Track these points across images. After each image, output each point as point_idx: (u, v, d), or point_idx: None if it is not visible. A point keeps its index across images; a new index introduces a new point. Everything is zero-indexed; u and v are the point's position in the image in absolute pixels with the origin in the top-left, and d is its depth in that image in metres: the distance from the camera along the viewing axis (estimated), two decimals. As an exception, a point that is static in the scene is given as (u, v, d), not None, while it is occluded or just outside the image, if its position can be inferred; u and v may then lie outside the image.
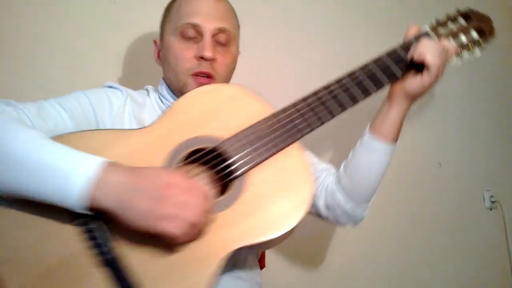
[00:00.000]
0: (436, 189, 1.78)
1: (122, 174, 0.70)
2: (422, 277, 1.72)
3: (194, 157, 0.84)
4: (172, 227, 0.69)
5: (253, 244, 0.79)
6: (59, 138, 0.77)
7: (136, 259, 0.73)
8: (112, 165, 0.71)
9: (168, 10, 1.04)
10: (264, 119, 0.87)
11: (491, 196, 1.89)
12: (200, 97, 0.89)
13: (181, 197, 0.70)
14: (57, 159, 0.69)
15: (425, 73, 0.93)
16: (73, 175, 0.68)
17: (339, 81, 0.92)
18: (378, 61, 0.95)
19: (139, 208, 0.69)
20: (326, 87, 0.92)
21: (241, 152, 0.84)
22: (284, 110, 0.89)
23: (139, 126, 0.93)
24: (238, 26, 1.06)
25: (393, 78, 0.95)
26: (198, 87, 0.92)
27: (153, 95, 1.04)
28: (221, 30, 0.98)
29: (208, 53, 0.95)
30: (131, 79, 1.26)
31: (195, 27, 0.97)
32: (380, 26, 1.68)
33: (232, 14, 1.04)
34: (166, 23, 1.03)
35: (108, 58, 1.29)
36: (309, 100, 0.90)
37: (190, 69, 0.97)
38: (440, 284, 1.74)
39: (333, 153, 1.55)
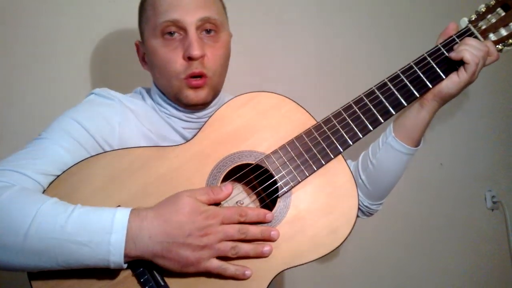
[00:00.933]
0: (437, 189, 1.78)
1: (151, 228, 0.71)
2: (423, 277, 1.72)
3: (237, 175, 0.82)
4: (217, 265, 0.74)
5: (303, 264, 0.77)
6: (96, 158, 0.78)
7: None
8: (138, 216, 0.71)
9: (142, 8, 0.94)
10: (307, 131, 0.84)
11: (493, 197, 1.88)
12: (239, 108, 0.85)
13: (216, 235, 0.73)
14: (85, 238, 0.68)
15: (462, 71, 0.89)
16: (108, 244, 0.68)
17: (382, 86, 0.87)
18: (420, 63, 0.89)
19: (179, 258, 0.72)
20: (369, 94, 0.87)
21: (286, 169, 0.81)
22: (327, 121, 0.85)
23: (143, 139, 0.89)
24: (224, 8, 0.96)
25: (438, 80, 0.90)
26: (193, 91, 0.88)
27: (149, 101, 0.96)
28: (205, 20, 0.87)
29: (195, 52, 0.85)
30: (131, 79, 1.26)
31: (175, 23, 0.86)
32: (382, 26, 1.68)
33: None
34: (144, 24, 0.93)
35: (108, 57, 1.28)
36: (352, 110, 0.85)
37: (181, 73, 0.88)
38: (441, 284, 1.74)
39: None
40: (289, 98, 0.88)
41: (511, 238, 1.87)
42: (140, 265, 0.74)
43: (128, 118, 0.88)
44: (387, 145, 0.97)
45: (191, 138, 0.84)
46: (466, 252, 1.80)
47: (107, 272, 0.72)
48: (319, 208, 0.80)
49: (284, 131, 0.84)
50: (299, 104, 0.88)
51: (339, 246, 0.78)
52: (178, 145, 0.83)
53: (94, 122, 0.84)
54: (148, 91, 0.98)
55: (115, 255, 0.69)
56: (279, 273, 0.76)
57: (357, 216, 0.81)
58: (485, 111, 1.92)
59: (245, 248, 0.75)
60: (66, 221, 0.68)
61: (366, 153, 1.03)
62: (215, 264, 0.74)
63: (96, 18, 1.27)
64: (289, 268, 0.77)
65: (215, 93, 0.93)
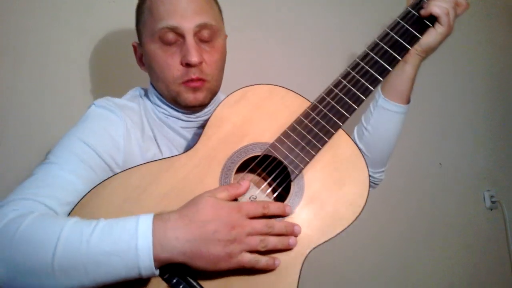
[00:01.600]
0: (436, 189, 1.79)
1: (176, 228, 0.70)
2: (422, 277, 1.72)
3: (247, 170, 0.84)
4: (248, 259, 0.73)
5: (328, 240, 0.79)
6: (103, 186, 0.78)
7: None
8: (161, 219, 0.70)
9: (140, 11, 0.95)
10: (304, 113, 0.86)
11: (492, 196, 1.90)
12: (233, 106, 0.87)
13: (244, 229, 0.72)
14: (112, 247, 0.67)
15: (437, 25, 0.92)
16: (135, 249, 0.67)
17: (365, 56, 0.90)
18: (395, 27, 0.93)
19: (210, 255, 0.71)
20: (354, 66, 0.90)
21: (292, 153, 0.82)
22: (321, 100, 0.87)
23: (145, 146, 0.90)
24: (221, 11, 0.97)
25: (414, 40, 0.92)
26: (192, 92, 0.90)
27: (147, 102, 0.97)
28: (202, 26, 0.89)
29: (193, 59, 0.87)
30: (131, 79, 1.25)
31: (173, 30, 0.88)
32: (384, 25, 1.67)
33: (209, 3, 0.93)
34: (141, 26, 0.94)
35: (108, 57, 1.28)
36: (342, 84, 0.88)
37: (179, 78, 0.90)
38: (440, 283, 1.74)
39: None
40: (279, 86, 0.91)
41: (510, 238, 1.88)
42: (174, 274, 0.73)
43: (129, 127, 0.89)
44: (379, 108, 1.00)
45: (193, 145, 0.85)
46: (465, 252, 1.81)
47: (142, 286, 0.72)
48: (332, 183, 0.82)
49: (282, 117, 0.86)
50: (290, 89, 0.90)
51: (358, 215, 0.80)
52: (182, 153, 0.84)
53: (101, 141, 0.85)
54: (146, 92, 0.99)
55: (145, 261, 0.67)
56: (308, 253, 0.77)
57: (370, 182, 0.83)
58: (484, 111, 1.94)
59: (273, 241, 0.75)
60: (91, 235, 0.68)
61: (360, 123, 1.06)
62: (247, 257, 0.73)
63: (96, 19, 1.27)
64: (316, 246, 0.78)
65: (213, 95, 0.95)
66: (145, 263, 0.67)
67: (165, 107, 0.95)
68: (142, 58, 0.97)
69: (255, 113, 0.87)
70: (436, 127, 1.82)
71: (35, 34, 1.20)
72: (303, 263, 0.76)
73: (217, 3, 0.97)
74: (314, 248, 0.77)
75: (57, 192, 0.77)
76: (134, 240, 0.67)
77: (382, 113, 1.00)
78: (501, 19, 2.00)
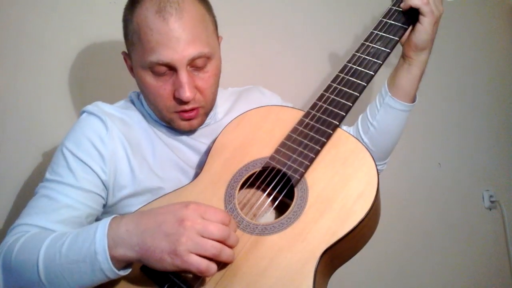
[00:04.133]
0: (435, 189, 1.78)
1: (129, 223, 0.69)
2: (421, 277, 1.71)
3: (248, 183, 0.83)
4: (196, 261, 0.66)
5: (340, 238, 0.73)
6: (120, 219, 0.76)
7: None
8: (118, 218, 0.71)
9: (127, 29, 0.89)
10: (299, 121, 0.87)
11: (491, 196, 1.89)
12: (233, 132, 0.90)
13: (193, 225, 0.67)
14: (78, 255, 0.70)
15: (421, 17, 0.92)
16: (94, 253, 0.68)
17: (352, 58, 0.92)
18: (379, 26, 0.95)
19: (155, 249, 0.67)
20: (343, 68, 0.91)
21: (291, 159, 0.82)
22: (314, 105, 0.88)
23: (134, 152, 0.90)
24: (215, 22, 0.92)
25: (400, 32, 0.93)
26: (186, 122, 0.90)
27: (141, 109, 0.96)
28: (196, 57, 0.84)
29: (186, 95, 0.84)
30: (131, 80, 1.24)
31: (165, 65, 0.83)
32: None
33: (202, 22, 0.87)
34: (129, 47, 0.90)
35: (108, 58, 1.26)
36: (333, 87, 0.89)
37: (171, 107, 0.88)
38: (439, 284, 1.73)
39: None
40: (274, 105, 0.94)
41: (509, 238, 1.88)
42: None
43: (115, 134, 0.89)
44: (386, 106, 1.00)
45: (198, 174, 0.87)
46: (464, 252, 1.80)
47: None
48: (337, 181, 0.79)
49: (279, 132, 0.87)
50: (284, 106, 0.93)
51: (370, 208, 0.75)
52: (187, 184, 0.86)
53: (92, 156, 0.86)
54: (139, 97, 0.98)
55: (104, 262, 0.68)
56: (321, 256, 0.72)
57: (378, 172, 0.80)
58: (483, 111, 1.94)
59: (228, 253, 0.69)
60: (62, 246, 0.71)
61: (365, 117, 1.06)
62: (194, 259, 0.66)
63: (97, 20, 1.26)
64: (330, 246, 0.73)
65: (208, 114, 0.95)
66: (105, 265, 0.68)
67: (157, 119, 0.95)
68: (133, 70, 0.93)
69: (254, 134, 0.88)
70: (435, 127, 1.81)
71: (35, 35, 1.19)
72: (316, 266, 0.71)
73: (210, 12, 0.91)
74: (326, 249, 0.73)
75: (60, 215, 0.82)
76: (92, 245, 0.69)
77: (389, 110, 1.00)
78: (501, 19, 1.99)
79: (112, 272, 0.69)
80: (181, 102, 0.86)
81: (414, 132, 1.69)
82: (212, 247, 0.67)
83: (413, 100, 1.01)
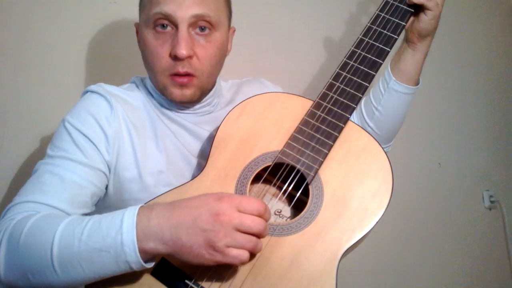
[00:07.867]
0: (435, 189, 1.78)
1: (160, 216, 0.66)
2: (421, 277, 1.70)
3: (261, 180, 0.81)
4: (237, 253, 0.65)
5: (360, 238, 0.74)
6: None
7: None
8: (147, 209, 0.68)
9: None
10: (309, 113, 0.83)
11: (491, 196, 1.89)
12: (236, 122, 0.85)
13: (230, 220, 0.65)
14: (101, 244, 0.66)
15: (426, 11, 0.93)
16: (121, 244, 0.65)
17: (359, 43, 0.89)
18: (376, 20, 0.92)
19: (192, 245, 0.65)
20: (351, 54, 0.89)
21: (304, 155, 0.79)
22: (323, 96, 0.85)
23: (138, 134, 0.87)
24: (229, 2, 0.93)
25: (407, 17, 0.93)
26: (178, 88, 0.86)
27: (144, 91, 0.94)
28: (199, 17, 0.83)
29: (181, 51, 0.82)
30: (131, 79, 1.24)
31: (167, 17, 0.83)
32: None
33: None
34: (141, 10, 0.90)
35: (108, 58, 1.26)
36: (342, 76, 0.86)
37: (166, 69, 0.85)
38: (439, 283, 1.73)
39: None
40: (278, 92, 0.89)
41: (509, 237, 1.88)
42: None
43: (121, 116, 0.86)
44: (390, 90, 1.01)
45: (203, 168, 0.82)
46: (464, 251, 1.80)
47: None
48: (352, 178, 0.78)
49: (287, 122, 0.84)
50: (290, 93, 0.88)
51: (388, 204, 0.76)
52: (192, 179, 0.81)
53: (97, 134, 0.83)
54: (143, 80, 0.96)
55: (131, 255, 0.65)
56: (341, 256, 0.72)
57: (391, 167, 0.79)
58: (483, 111, 1.95)
59: (261, 246, 0.69)
60: (82, 233, 0.67)
61: (368, 101, 1.05)
62: (235, 252, 0.65)
63: (97, 19, 1.25)
64: (350, 247, 0.73)
65: (203, 92, 0.91)
66: (132, 257, 0.65)
67: (159, 98, 0.92)
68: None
69: (259, 124, 0.84)
70: (435, 127, 1.82)
71: (35, 35, 1.18)
72: (337, 267, 0.71)
73: None
74: (347, 249, 0.72)
75: (58, 191, 0.77)
76: (119, 235, 0.65)
77: (394, 94, 1.01)
78: (501, 19, 2.01)
79: (138, 264, 0.66)
80: (176, 59, 0.84)
81: (414, 132, 1.70)
82: (249, 242, 0.66)
83: (417, 82, 1.02)
